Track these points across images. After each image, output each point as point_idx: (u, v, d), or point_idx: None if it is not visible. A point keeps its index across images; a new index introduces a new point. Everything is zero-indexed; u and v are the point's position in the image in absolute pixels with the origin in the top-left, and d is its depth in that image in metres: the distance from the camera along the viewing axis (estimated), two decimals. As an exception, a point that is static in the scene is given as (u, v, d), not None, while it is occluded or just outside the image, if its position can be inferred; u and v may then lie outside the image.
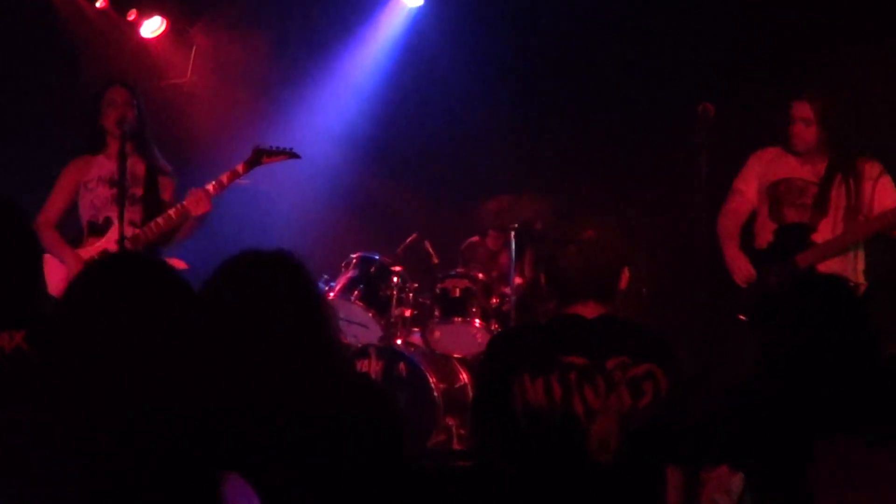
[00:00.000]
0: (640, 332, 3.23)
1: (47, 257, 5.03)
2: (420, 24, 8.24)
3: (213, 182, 5.52)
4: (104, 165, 5.48)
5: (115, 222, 5.23)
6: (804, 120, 5.60)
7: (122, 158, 5.17)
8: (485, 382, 3.30)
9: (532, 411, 3.02)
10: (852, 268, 5.50)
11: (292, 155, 5.77)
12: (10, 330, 2.56)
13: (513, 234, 6.62)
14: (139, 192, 5.48)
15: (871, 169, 5.58)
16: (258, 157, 5.62)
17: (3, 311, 2.60)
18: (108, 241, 5.43)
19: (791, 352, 3.00)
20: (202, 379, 2.05)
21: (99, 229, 5.47)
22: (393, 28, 8.34)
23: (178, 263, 5.28)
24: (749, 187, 5.81)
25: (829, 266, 5.44)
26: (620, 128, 7.71)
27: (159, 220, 5.45)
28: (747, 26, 7.24)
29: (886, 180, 5.57)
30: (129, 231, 5.31)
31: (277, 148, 5.69)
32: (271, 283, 2.54)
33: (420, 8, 8.15)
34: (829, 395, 2.86)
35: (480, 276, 6.69)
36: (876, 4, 6.81)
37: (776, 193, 5.66)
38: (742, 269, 5.66)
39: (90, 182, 5.49)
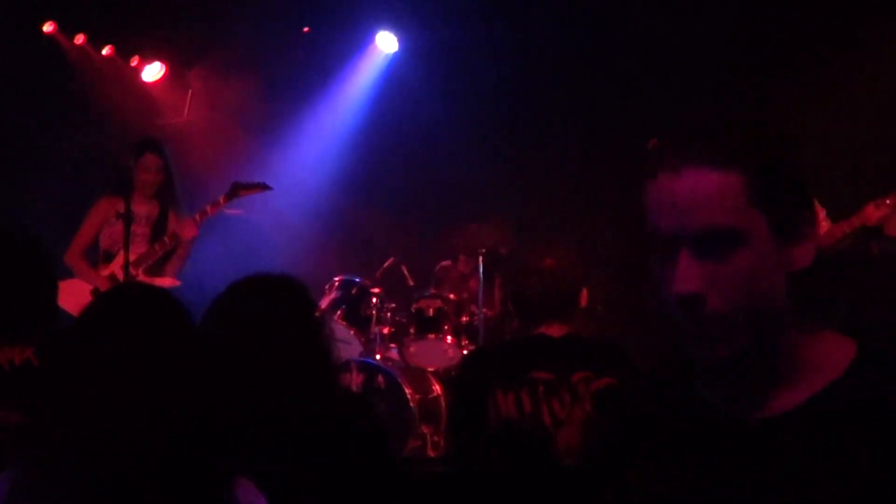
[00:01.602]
0: (601, 347, 3.32)
1: (72, 283, 5.46)
2: (395, 68, 8.31)
3: (199, 212, 5.87)
4: (123, 205, 5.71)
5: (121, 253, 5.62)
6: None
7: (163, 208, 5.79)
8: (461, 396, 3.33)
9: (505, 422, 3.08)
10: None
11: (265, 187, 6.06)
12: (22, 345, 2.60)
13: (480, 258, 6.68)
14: (148, 231, 5.79)
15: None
16: (236, 189, 5.93)
17: (18, 329, 2.64)
18: (114, 267, 5.71)
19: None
20: (203, 392, 2.07)
21: (111, 258, 5.77)
22: (371, 71, 8.41)
23: (170, 281, 5.73)
24: None
25: None
26: (584, 159, 7.78)
27: (156, 245, 5.78)
28: (704, 62, 7.29)
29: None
30: (133, 260, 5.66)
31: (252, 182, 6.00)
32: (278, 304, 2.58)
33: (395, 53, 8.22)
34: None
35: (452, 296, 6.73)
36: (830, 41, 6.86)
37: None
38: None
39: (111, 219, 5.79)
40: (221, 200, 5.92)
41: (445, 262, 7.58)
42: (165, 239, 5.77)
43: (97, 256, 5.83)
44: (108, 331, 2.04)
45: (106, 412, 1.95)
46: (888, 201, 5.29)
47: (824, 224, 5.51)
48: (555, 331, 3.27)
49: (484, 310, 6.61)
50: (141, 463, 1.93)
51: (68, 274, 5.63)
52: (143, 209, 5.78)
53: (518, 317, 3.40)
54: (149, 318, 2.07)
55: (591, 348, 3.29)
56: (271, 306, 2.58)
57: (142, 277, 5.68)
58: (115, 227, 5.73)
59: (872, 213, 5.27)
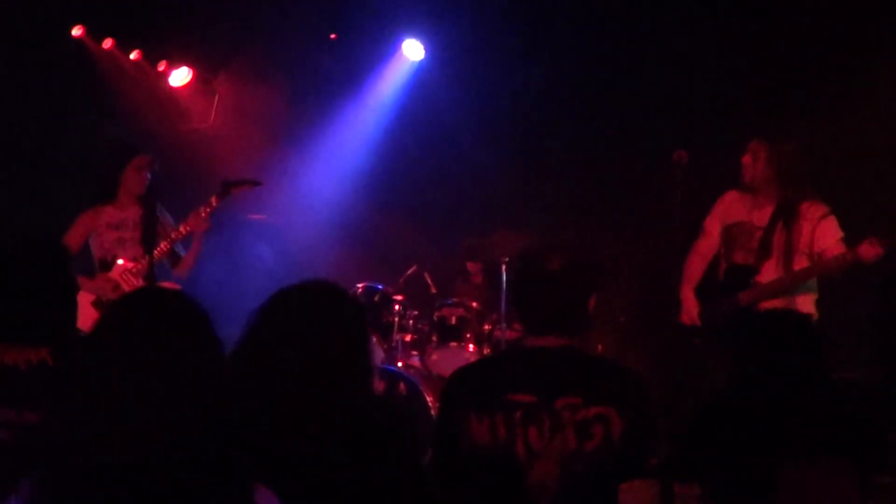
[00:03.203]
0: (601, 369, 2.82)
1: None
2: (421, 75, 8.31)
3: (204, 205, 5.88)
4: (112, 214, 5.84)
5: (119, 260, 5.76)
6: (753, 154, 5.54)
7: (149, 212, 5.74)
8: (440, 420, 2.92)
9: (476, 451, 2.69)
10: (792, 306, 5.26)
11: (256, 183, 6.04)
12: (37, 346, 2.63)
13: (504, 266, 6.66)
14: (137, 234, 5.82)
15: (815, 211, 5.40)
16: (227, 188, 5.91)
17: (34, 330, 2.68)
18: (115, 273, 5.78)
19: (754, 376, 2.94)
20: (223, 398, 2.07)
21: (107, 266, 5.80)
22: (396, 78, 8.40)
23: (171, 286, 5.60)
24: (714, 229, 5.74)
25: (769, 305, 5.32)
26: (605, 171, 7.76)
27: (164, 244, 5.79)
28: (720, 80, 7.30)
29: (828, 222, 5.38)
30: (131, 265, 5.77)
31: (242, 179, 6.02)
32: (327, 313, 2.56)
33: (421, 61, 8.21)
34: (787, 416, 2.83)
35: (474, 304, 6.72)
36: (837, 58, 6.86)
37: (730, 236, 5.59)
38: (688, 309, 5.56)
39: (100, 228, 5.83)
40: (213, 201, 5.89)
41: (468, 268, 7.58)
42: (181, 230, 5.82)
43: (90, 267, 5.85)
44: (129, 335, 2.04)
45: (126, 417, 1.95)
46: (878, 245, 5.10)
47: (836, 248, 5.32)
48: (551, 342, 2.80)
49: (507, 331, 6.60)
50: (160, 468, 1.92)
51: None
52: (130, 213, 5.83)
53: (521, 325, 2.92)
54: (170, 323, 2.07)
55: (588, 368, 2.80)
56: (328, 313, 2.55)
57: (135, 282, 5.73)
58: (104, 235, 5.79)
59: (867, 250, 5.13)
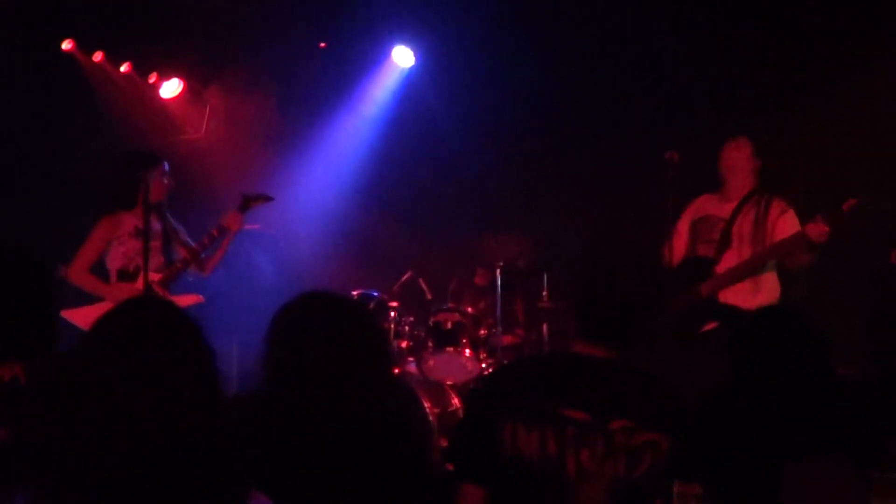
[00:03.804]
0: (652, 389, 2.63)
1: (95, 308, 5.41)
2: (412, 82, 8.31)
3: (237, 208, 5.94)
4: (132, 222, 5.69)
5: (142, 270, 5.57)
6: (731, 154, 5.64)
7: (165, 219, 5.81)
8: (473, 417, 2.73)
9: (521, 461, 2.53)
10: (747, 298, 5.40)
11: (269, 198, 6.10)
12: (11, 362, 2.58)
13: (498, 271, 6.68)
14: (159, 244, 5.75)
15: (777, 205, 5.54)
16: (248, 202, 5.96)
17: (8, 345, 2.62)
18: (141, 283, 5.61)
19: (754, 372, 2.92)
20: (215, 408, 2.05)
21: (130, 276, 5.67)
22: (387, 85, 8.41)
23: (195, 298, 5.71)
24: (683, 228, 5.81)
25: (724, 296, 5.43)
26: (597, 173, 7.79)
27: (197, 245, 5.84)
28: (711, 80, 7.35)
29: (788, 216, 5.51)
30: (155, 276, 5.65)
31: (259, 194, 6.05)
32: (346, 322, 2.61)
33: (411, 67, 8.23)
34: (790, 413, 2.82)
35: (470, 309, 6.73)
36: (827, 58, 6.91)
37: (695, 231, 5.67)
38: None
39: (122, 236, 5.68)
40: (238, 214, 5.92)
41: (460, 276, 7.58)
42: (213, 232, 5.83)
43: (105, 275, 5.73)
44: (116, 346, 2.02)
45: (114, 428, 1.93)
46: (822, 222, 5.20)
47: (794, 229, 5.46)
48: (602, 352, 2.61)
49: (506, 338, 6.60)
50: (152, 480, 1.91)
51: (83, 297, 5.59)
52: (153, 222, 5.72)
53: (577, 327, 2.67)
54: (158, 334, 2.05)
55: (640, 387, 2.61)
56: (345, 323, 2.59)
57: (162, 292, 5.66)
58: (127, 244, 5.67)
59: (813, 230, 5.24)
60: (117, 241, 5.69)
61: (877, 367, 6.29)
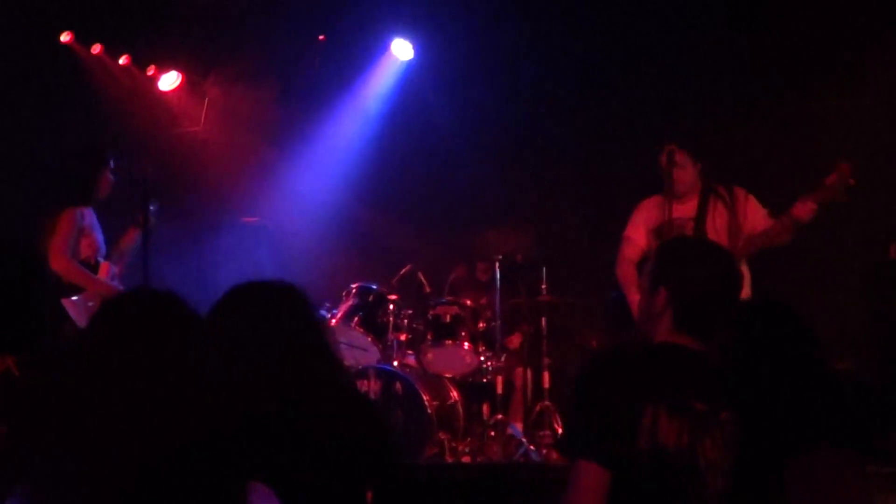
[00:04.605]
0: (728, 381, 2.72)
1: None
2: (411, 75, 8.30)
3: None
4: (91, 216, 5.80)
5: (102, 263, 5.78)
6: (680, 165, 5.67)
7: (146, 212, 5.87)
8: (607, 399, 2.57)
9: (657, 448, 2.50)
10: None
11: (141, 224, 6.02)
12: (2, 354, 2.55)
13: (497, 264, 6.68)
14: (103, 238, 5.91)
15: (738, 192, 5.67)
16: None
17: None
18: (104, 275, 5.78)
19: (751, 369, 2.87)
20: (214, 398, 2.04)
21: (92, 268, 5.75)
22: (386, 78, 8.39)
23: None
24: (638, 234, 5.85)
25: None
26: (596, 166, 7.80)
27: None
28: (710, 74, 7.36)
29: (752, 201, 5.66)
30: (116, 269, 5.86)
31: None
32: (276, 309, 2.59)
33: (410, 60, 8.21)
34: (788, 409, 2.81)
35: (468, 302, 6.72)
36: (822, 52, 6.92)
37: (661, 235, 5.67)
38: None
39: (85, 228, 5.76)
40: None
41: (460, 270, 7.57)
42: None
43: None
44: (113, 338, 2.01)
45: (110, 421, 1.92)
46: (810, 199, 5.34)
47: (766, 222, 5.58)
48: (700, 347, 2.66)
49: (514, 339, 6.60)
50: (151, 470, 1.90)
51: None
52: (94, 217, 5.85)
53: (675, 315, 2.67)
54: (159, 325, 2.04)
55: (728, 378, 2.72)
56: (270, 310, 2.58)
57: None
58: (91, 236, 5.75)
59: (800, 209, 5.33)
60: (83, 234, 5.76)
61: (877, 361, 6.30)
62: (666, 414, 2.51)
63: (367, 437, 2.54)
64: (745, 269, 5.56)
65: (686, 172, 5.68)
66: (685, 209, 5.69)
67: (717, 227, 5.61)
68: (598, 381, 2.61)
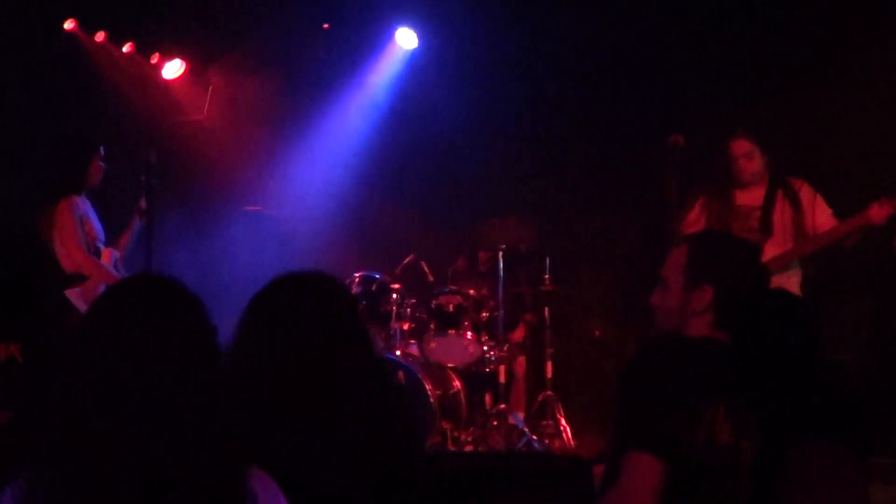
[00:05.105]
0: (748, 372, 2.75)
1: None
2: (415, 63, 8.29)
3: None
4: (84, 205, 5.84)
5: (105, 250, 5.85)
6: (746, 155, 5.65)
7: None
8: (667, 393, 2.53)
9: (713, 447, 2.50)
10: (789, 283, 5.46)
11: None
12: (6, 342, 2.57)
13: (500, 254, 6.68)
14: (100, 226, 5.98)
15: (807, 189, 5.66)
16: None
17: (3, 325, 2.61)
18: (107, 260, 5.82)
19: (752, 360, 2.83)
20: (215, 384, 2.03)
21: (94, 255, 5.78)
22: (391, 67, 8.37)
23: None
24: (697, 218, 5.81)
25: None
26: (601, 156, 7.79)
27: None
28: (715, 63, 7.33)
29: (820, 200, 5.65)
30: (118, 254, 5.94)
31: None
32: (328, 298, 2.54)
33: (415, 49, 8.20)
34: (787, 400, 2.80)
35: (471, 292, 6.73)
36: (829, 40, 6.89)
37: (721, 220, 5.68)
38: None
39: (83, 216, 5.81)
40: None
41: (461, 261, 7.58)
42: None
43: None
44: (117, 323, 2.01)
45: (114, 407, 1.92)
46: (893, 201, 5.32)
47: (831, 222, 5.60)
48: (727, 341, 2.69)
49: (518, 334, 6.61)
50: (153, 459, 1.91)
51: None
52: (88, 206, 5.90)
53: (719, 313, 2.68)
54: (160, 310, 2.04)
55: (748, 371, 2.76)
56: (316, 301, 2.53)
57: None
58: (87, 224, 5.79)
59: (877, 212, 5.30)
60: (81, 222, 5.79)
61: (880, 355, 6.30)
62: (723, 411, 2.51)
63: (402, 429, 2.53)
64: (796, 269, 5.57)
65: (754, 162, 5.65)
66: (750, 197, 5.67)
67: (784, 220, 5.58)
68: (655, 374, 2.57)
